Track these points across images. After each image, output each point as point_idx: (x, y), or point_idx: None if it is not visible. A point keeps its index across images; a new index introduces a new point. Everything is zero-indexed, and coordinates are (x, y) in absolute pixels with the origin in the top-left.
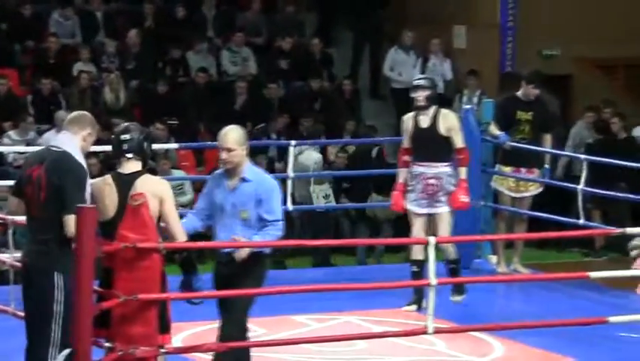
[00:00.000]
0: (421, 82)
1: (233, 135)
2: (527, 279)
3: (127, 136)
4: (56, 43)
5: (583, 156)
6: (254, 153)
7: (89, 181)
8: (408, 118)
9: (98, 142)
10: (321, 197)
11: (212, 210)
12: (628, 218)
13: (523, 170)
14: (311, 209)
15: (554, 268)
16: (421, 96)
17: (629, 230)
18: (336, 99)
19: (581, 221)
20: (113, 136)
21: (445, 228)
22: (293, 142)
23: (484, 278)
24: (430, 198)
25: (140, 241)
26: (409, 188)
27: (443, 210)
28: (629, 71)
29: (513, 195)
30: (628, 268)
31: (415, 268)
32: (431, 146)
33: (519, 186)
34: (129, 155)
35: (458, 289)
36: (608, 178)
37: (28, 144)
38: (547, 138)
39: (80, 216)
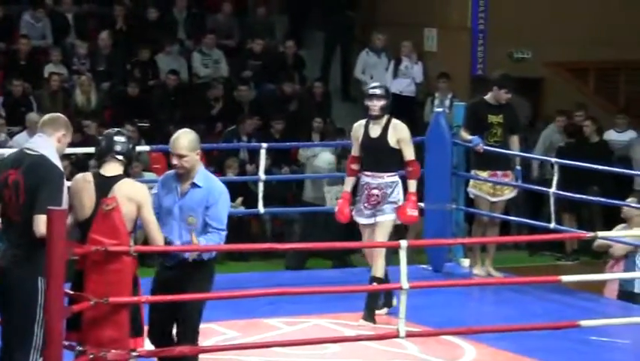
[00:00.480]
0: (377, 91)
1: (184, 141)
2: (499, 283)
3: (121, 139)
4: (27, 45)
5: (554, 160)
6: (225, 156)
7: (66, 183)
8: (359, 126)
9: (69, 144)
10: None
11: (159, 212)
12: (599, 221)
13: (499, 173)
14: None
15: (526, 271)
16: (376, 105)
17: (601, 234)
18: (307, 101)
19: (552, 225)
20: (103, 136)
21: (380, 237)
22: (264, 144)
23: (456, 282)
24: (373, 208)
25: (111, 244)
26: (357, 198)
27: (383, 218)
28: (599, 74)
29: (491, 199)
30: (599, 271)
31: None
32: (379, 156)
33: (496, 191)
34: (119, 157)
35: (370, 314)
36: (580, 182)
37: None
38: (515, 140)
39: (50, 217)
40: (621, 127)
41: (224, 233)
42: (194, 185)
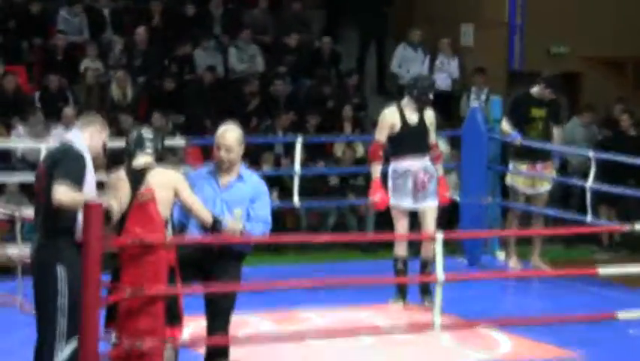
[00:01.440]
0: (434, 82)
1: (233, 134)
2: (534, 275)
3: (149, 135)
4: (64, 41)
5: (591, 153)
6: (260, 150)
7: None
8: (392, 112)
9: None
10: None
11: None
12: (637, 214)
13: (538, 166)
14: (321, 205)
15: (562, 264)
16: (431, 97)
17: (639, 226)
18: (343, 96)
19: (589, 218)
20: (133, 132)
21: (433, 222)
22: (299, 139)
23: (492, 274)
24: (419, 193)
25: (146, 236)
26: (396, 185)
27: (432, 203)
28: (637, 68)
29: (529, 191)
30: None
31: (399, 265)
32: (420, 141)
33: (535, 183)
34: (149, 150)
35: (427, 290)
36: (617, 175)
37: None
38: (559, 132)
39: (87, 212)
40: None
41: (269, 226)
42: (239, 177)
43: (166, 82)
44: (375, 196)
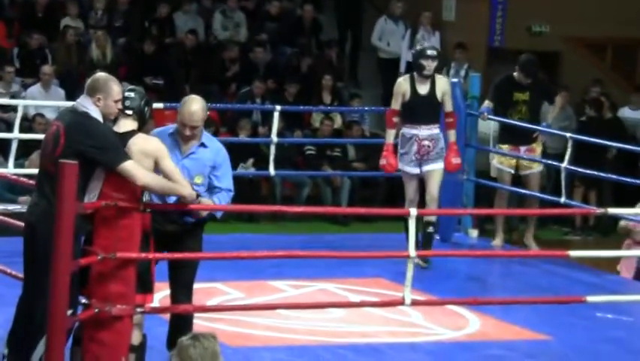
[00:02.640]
0: (434, 52)
1: (200, 114)
2: (507, 255)
3: (131, 94)
4: None
5: (569, 135)
6: (238, 117)
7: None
8: (404, 81)
9: None
10: None
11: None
12: (610, 198)
13: (522, 148)
14: (296, 175)
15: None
16: (431, 66)
17: (611, 210)
18: (322, 65)
19: (563, 199)
20: None
21: (435, 183)
22: (278, 107)
23: (464, 252)
24: (422, 158)
25: (120, 199)
26: (403, 150)
27: (436, 166)
28: (617, 51)
29: (518, 172)
30: (608, 248)
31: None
32: (428, 110)
33: (520, 165)
34: (129, 112)
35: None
36: (593, 158)
37: (12, 97)
38: (558, 99)
39: (62, 171)
40: (637, 105)
41: (232, 194)
42: (201, 144)
43: (146, 44)
44: (383, 160)
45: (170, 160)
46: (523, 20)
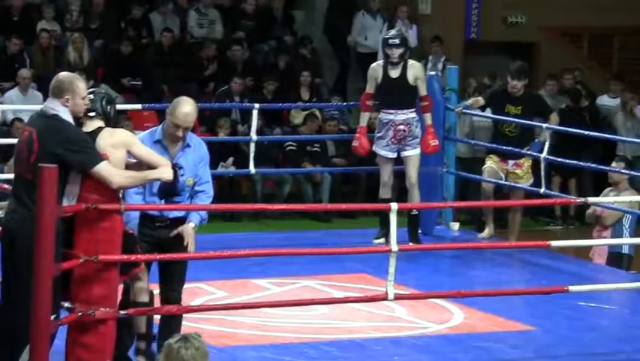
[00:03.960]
0: (396, 40)
1: (194, 115)
2: (488, 247)
3: (90, 96)
4: (20, 1)
5: (545, 125)
6: (216, 116)
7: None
8: (377, 66)
9: None
10: None
11: None
12: (590, 186)
13: (510, 162)
14: (277, 172)
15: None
16: (395, 54)
17: (591, 199)
18: (300, 62)
19: (542, 189)
20: None
21: (414, 169)
22: (256, 105)
23: (446, 245)
24: (399, 143)
25: (100, 201)
26: (379, 135)
27: (413, 152)
28: (593, 40)
29: (506, 182)
30: (588, 237)
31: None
32: (401, 95)
33: (509, 177)
34: (92, 113)
35: (415, 237)
36: (572, 146)
37: None
38: (553, 118)
39: (42, 176)
40: (615, 93)
41: (211, 194)
42: (187, 145)
43: (123, 45)
44: (355, 142)
45: (141, 145)
46: (499, 11)
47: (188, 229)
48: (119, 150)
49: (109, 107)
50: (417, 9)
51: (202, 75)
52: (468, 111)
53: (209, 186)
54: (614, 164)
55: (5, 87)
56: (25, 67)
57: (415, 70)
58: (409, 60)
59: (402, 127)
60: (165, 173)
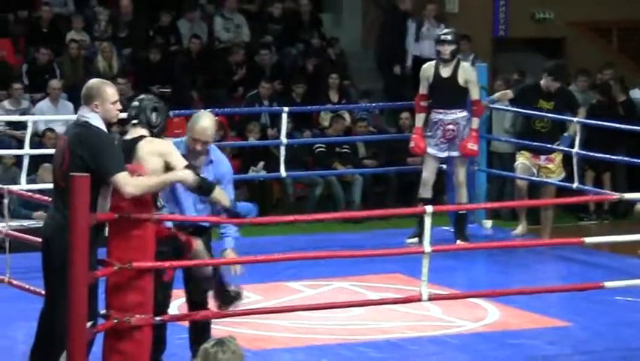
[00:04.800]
0: (448, 37)
1: (212, 129)
2: (522, 245)
3: (135, 103)
4: (49, 13)
5: (576, 119)
6: (246, 120)
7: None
8: (429, 67)
9: None
10: None
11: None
12: (624, 180)
13: (542, 157)
14: (308, 175)
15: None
16: (447, 50)
17: (627, 196)
18: (328, 65)
19: (575, 185)
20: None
21: (462, 170)
22: (285, 108)
23: (479, 244)
24: (449, 143)
25: (133, 210)
26: (429, 134)
27: (455, 154)
28: (622, 33)
29: (537, 177)
30: (624, 231)
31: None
32: (450, 94)
33: (541, 172)
34: (134, 121)
35: (463, 235)
36: (607, 141)
37: (22, 114)
38: (580, 112)
39: (73, 184)
40: None
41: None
42: (210, 162)
43: (152, 53)
44: (411, 142)
45: (178, 155)
46: (527, 8)
47: (229, 254)
48: (156, 158)
49: (154, 114)
50: (444, 8)
51: (231, 80)
52: (495, 106)
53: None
54: None
55: (36, 98)
56: (55, 77)
57: (465, 72)
58: (462, 62)
59: (451, 127)
60: (185, 174)
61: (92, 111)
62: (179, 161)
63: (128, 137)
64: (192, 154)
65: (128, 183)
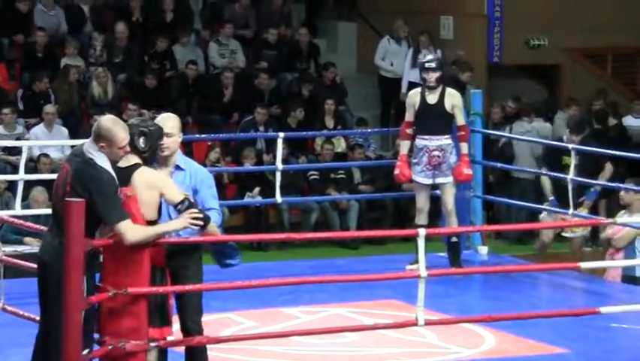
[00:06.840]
0: (432, 64)
1: (172, 121)
2: (517, 270)
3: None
4: (44, 37)
5: (571, 146)
6: (242, 146)
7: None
8: (415, 94)
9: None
10: None
11: None
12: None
13: (569, 212)
14: (303, 201)
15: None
16: (432, 77)
17: (619, 220)
18: (324, 90)
19: (570, 211)
20: None
21: (450, 196)
22: (281, 134)
23: (475, 269)
24: (434, 169)
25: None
26: (415, 161)
27: (447, 180)
28: (617, 60)
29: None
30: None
31: None
32: (437, 121)
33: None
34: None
35: (457, 262)
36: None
37: (17, 139)
38: (607, 168)
39: (69, 210)
40: (639, 113)
41: (221, 214)
42: (177, 167)
43: (147, 78)
44: (396, 170)
45: (172, 188)
46: (521, 34)
47: (212, 227)
48: (151, 191)
49: (141, 140)
50: (439, 35)
51: (225, 105)
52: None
53: (217, 208)
54: (627, 182)
55: (31, 123)
56: (50, 102)
57: (452, 98)
58: (448, 88)
59: (436, 153)
60: (178, 223)
61: (98, 150)
62: (174, 193)
63: (123, 164)
64: (158, 161)
65: (127, 231)
